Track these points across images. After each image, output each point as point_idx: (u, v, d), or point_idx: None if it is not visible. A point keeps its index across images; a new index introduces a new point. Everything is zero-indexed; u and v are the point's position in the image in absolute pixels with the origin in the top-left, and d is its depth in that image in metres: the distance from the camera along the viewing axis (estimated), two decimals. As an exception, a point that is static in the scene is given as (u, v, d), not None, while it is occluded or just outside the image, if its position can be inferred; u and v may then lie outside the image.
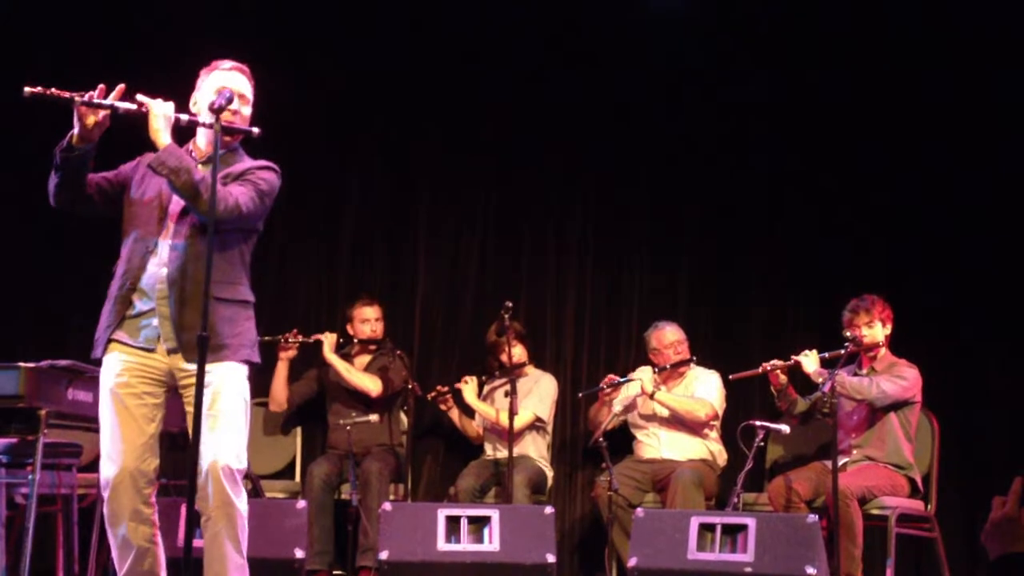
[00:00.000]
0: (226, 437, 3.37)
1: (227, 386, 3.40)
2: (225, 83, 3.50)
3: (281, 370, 5.84)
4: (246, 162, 3.57)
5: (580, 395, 5.94)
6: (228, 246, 3.46)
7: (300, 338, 5.78)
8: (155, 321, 3.41)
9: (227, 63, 3.59)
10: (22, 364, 3.98)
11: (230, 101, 3.38)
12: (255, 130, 3.50)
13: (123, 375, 3.41)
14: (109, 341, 3.44)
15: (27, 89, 3.26)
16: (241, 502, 3.39)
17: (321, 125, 6.24)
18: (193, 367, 3.30)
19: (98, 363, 3.56)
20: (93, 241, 5.72)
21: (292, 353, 5.84)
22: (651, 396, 5.57)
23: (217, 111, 3.31)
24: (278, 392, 5.87)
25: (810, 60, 6.09)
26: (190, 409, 3.35)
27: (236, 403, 3.42)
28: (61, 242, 5.99)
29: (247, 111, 3.57)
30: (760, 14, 6.18)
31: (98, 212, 3.55)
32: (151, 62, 5.68)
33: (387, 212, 6.36)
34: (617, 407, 5.74)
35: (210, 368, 3.32)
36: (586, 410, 5.95)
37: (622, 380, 5.67)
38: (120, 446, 3.38)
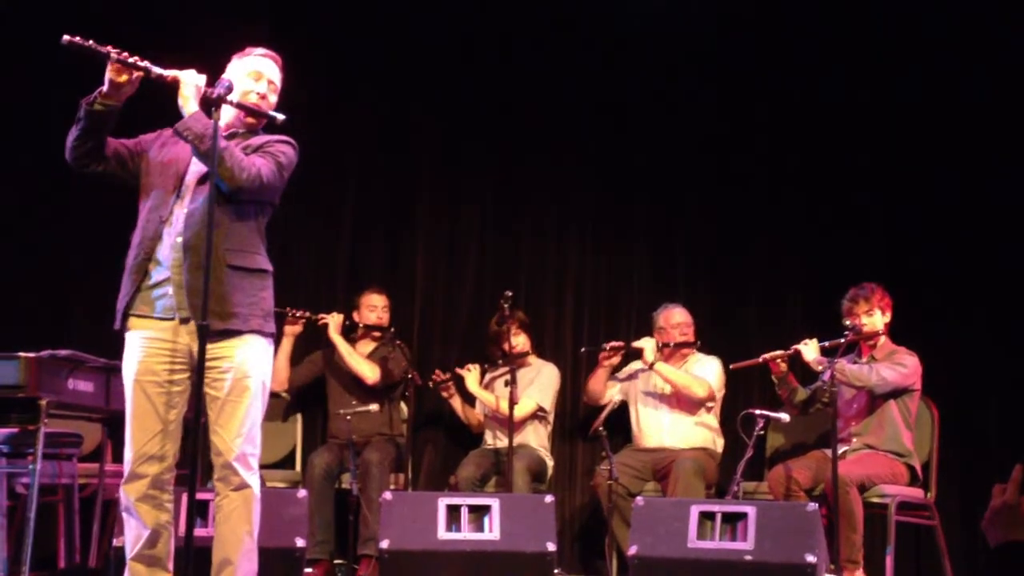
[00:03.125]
0: (243, 423, 3.40)
1: (247, 370, 3.43)
2: (256, 68, 3.58)
3: (285, 346, 5.78)
4: (263, 137, 3.60)
5: (582, 350, 5.96)
6: (243, 215, 3.48)
7: (308, 314, 5.77)
8: (170, 290, 3.42)
9: (262, 49, 3.65)
10: (22, 354, 3.99)
11: (229, 91, 3.40)
12: (280, 116, 3.52)
13: (146, 361, 3.43)
14: (128, 316, 3.46)
15: (66, 37, 3.25)
16: (255, 486, 3.43)
17: (321, 112, 6.21)
18: (214, 347, 3.35)
19: (101, 350, 3.56)
20: (95, 229, 5.74)
21: (298, 329, 5.81)
22: (651, 366, 5.57)
23: (216, 101, 3.32)
24: (280, 370, 5.74)
25: (812, 54, 6.09)
26: (208, 390, 3.40)
27: (255, 387, 3.45)
28: (63, 230, 5.99)
29: (274, 98, 3.63)
30: (759, 8, 6.17)
31: (110, 175, 3.55)
32: (154, 53, 5.68)
33: (387, 200, 6.36)
34: (617, 396, 5.75)
35: (229, 345, 3.39)
36: (588, 370, 5.93)
37: (625, 346, 5.68)
38: (138, 432, 3.41)
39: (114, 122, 3.45)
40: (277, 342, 5.68)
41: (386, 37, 6.32)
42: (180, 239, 3.40)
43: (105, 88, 3.36)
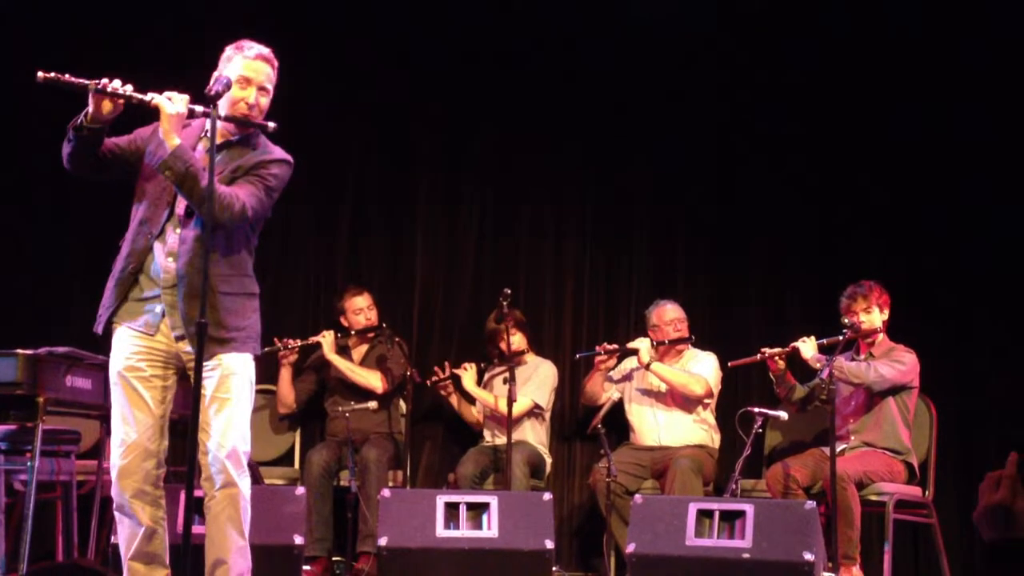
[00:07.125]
0: (232, 420, 3.40)
1: (235, 370, 3.43)
2: (245, 75, 3.45)
3: (285, 375, 5.85)
4: (258, 152, 3.53)
5: (577, 356, 5.95)
6: (235, 237, 3.47)
7: (299, 342, 5.80)
8: (158, 308, 3.42)
9: (253, 50, 3.50)
10: (20, 351, 3.99)
11: (228, 87, 3.37)
12: (270, 124, 3.46)
13: (131, 358, 3.43)
14: (111, 322, 3.46)
15: (40, 74, 3.25)
16: (244, 484, 3.42)
17: (320, 113, 6.21)
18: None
19: (98, 348, 3.54)
20: (93, 227, 5.73)
21: (293, 358, 5.86)
22: (647, 367, 5.57)
23: (213, 98, 3.30)
24: (285, 395, 5.89)
25: (812, 54, 6.09)
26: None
27: (243, 387, 3.45)
28: (60, 228, 5.99)
29: (265, 102, 3.51)
30: (760, 7, 6.17)
31: (113, 177, 3.54)
32: (157, 50, 5.71)
33: (385, 199, 6.35)
34: (615, 394, 5.76)
35: (218, 356, 3.39)
36: (585, 373, 5.93)
37: (620, 348, 5.68)
38: (129, 427, 3.41)
39: (104, 136, 3.42)
40: (275, 366, 5.76)
41: (386, 36, 6.31)
42: (173, 263, 3.40)
43: (90, 112, 3.33)
